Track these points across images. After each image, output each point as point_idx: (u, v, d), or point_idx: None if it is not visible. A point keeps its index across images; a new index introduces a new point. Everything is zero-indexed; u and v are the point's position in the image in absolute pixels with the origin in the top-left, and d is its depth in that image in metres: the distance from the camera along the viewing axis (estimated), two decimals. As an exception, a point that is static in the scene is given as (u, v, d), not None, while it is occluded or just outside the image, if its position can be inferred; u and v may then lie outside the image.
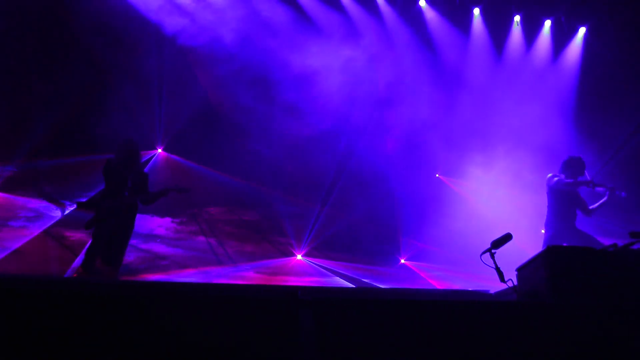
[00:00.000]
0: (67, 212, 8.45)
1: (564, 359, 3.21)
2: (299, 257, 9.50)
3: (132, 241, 6.29)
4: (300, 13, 9.73)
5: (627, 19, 9.83)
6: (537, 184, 7.65)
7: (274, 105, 9.33)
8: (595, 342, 3.28)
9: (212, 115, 9.50)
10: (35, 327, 2.87)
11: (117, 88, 8.62)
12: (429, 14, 10.28)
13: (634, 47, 9.85)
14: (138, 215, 6.31)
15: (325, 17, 9.89)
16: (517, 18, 10.42)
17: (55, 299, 2.99)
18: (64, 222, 8.38)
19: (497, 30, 10.44)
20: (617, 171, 9.58)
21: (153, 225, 8.87)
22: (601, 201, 6.80)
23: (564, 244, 6.48)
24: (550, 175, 6.87)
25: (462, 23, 10.38)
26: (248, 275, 8.87)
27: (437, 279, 9.56)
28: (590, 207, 6.88)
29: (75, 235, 8.25)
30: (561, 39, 10.51)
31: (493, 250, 4.14)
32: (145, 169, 7.58)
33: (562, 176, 6.80)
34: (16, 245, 7.93)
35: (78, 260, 7.82)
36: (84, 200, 7.42)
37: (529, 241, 7.35)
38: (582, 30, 10.44)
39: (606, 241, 5.83)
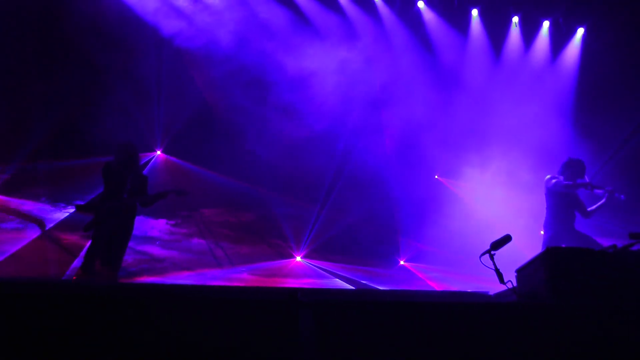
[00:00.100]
0: (65, 214, 8.44)
1: (564, 361, 3.21)
2: (298, 258, 9.49)
3: (129, 243, 6.27)
4: (298, 15, 9.72)
5: (625, 19, 9.83)
6: (536, 185, 7.65)
7: (273, 106, 9.34)
8: (594, 343, 3.28)
9: (210, 117, 9.50)
10: (32, 331, 2.86)
11: (115, 90, 8.61)
12: (427, 15, 10.28)
13: (633, 47, 9.85)
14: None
15: (324, 19, 9.89)
16: (515, 19, 10.42)
17: (54, 302, 2.98)
18: (62, 224, 8.36)
19: (496, 31, 10.44)
20: (616, 172, 9.58)
21: (148, 227, 8.85)
22: (599, 203, 6.80)
23: (563, 245, 6.47)
24: (548, 176, 6.87)
25: (460, 24, 10.37)
26: (247, 277, 8.87)
27: (437, 280, 9.56)
28: (589, 209, 6.88)
29: (73, 237, 8.24)
30: (559, 39, 10.51)
31: (492, 252, 4.14)
32: (144, 171, 7.58)
33: (561, 178, 6.80)
34: (13, 247, 7.92)
35: (76, 262, 7.82)
36: (83, 202, 7.41)
37: (528, 242, 7.34)
38: (580, 31, 10.44)
39: (605, 242, 5.84)
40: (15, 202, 8.33)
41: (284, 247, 9.52)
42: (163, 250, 8.86)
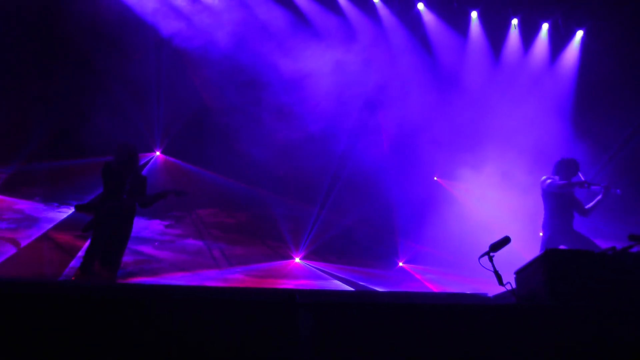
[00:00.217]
0: (63, 214, 8.43)
1: (563, 362, 3.22)
2: (297, 260, 9.49)
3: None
4: (298, 16, 9.71)
5: (625, 21, 9.84)
6: (534, 186, 7.65)
7: (272, 107, 9.32)
8: (593, 345, 3.28)
9: (209, 118, 9.49)
10: (32, 332, 2.86)
11: (114, 90, 8.60)
12: (427, 16, 10.29)
13: (632, 49, 9.87)
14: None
15: (324, 21, 9.88)
16: (514, 21, 10.42)
17: (53, 302, 2.98)
18: (60, 224, 8.35)
19: (495, 33, 10.44)
20: (615, 173, 9.58)
21: (146, 227, 8.83)
22: (596, 200, 6.74)
23: (561, 246, 6.47)
24: (543, 177, 6.85)
25: (460, 26, 10.37)
26: (246, 278, 8.86)
27: (435, 282, 9.56)
28: (587, 207, 6.85)
29: (71, 237, 8.23)
30: (559, 42, 10.51)
31: (492, 254, 4.14)
32: (143, 172, 7.57)
33: (556, 178, 6.78)
34: (10, 248, 7.91)
35: (74, 263, 7.81)
36: (83, 203, 7.40)
37: (526, 243, 7.33)
38: (579, 33, 10.45)
39: (604, 243, 5.85)
40: (8, 201, 8.31)
41: (283, 248, 9.52)
42: (160, 250, 8.85)
